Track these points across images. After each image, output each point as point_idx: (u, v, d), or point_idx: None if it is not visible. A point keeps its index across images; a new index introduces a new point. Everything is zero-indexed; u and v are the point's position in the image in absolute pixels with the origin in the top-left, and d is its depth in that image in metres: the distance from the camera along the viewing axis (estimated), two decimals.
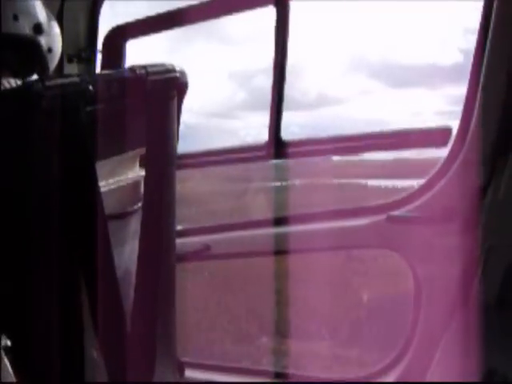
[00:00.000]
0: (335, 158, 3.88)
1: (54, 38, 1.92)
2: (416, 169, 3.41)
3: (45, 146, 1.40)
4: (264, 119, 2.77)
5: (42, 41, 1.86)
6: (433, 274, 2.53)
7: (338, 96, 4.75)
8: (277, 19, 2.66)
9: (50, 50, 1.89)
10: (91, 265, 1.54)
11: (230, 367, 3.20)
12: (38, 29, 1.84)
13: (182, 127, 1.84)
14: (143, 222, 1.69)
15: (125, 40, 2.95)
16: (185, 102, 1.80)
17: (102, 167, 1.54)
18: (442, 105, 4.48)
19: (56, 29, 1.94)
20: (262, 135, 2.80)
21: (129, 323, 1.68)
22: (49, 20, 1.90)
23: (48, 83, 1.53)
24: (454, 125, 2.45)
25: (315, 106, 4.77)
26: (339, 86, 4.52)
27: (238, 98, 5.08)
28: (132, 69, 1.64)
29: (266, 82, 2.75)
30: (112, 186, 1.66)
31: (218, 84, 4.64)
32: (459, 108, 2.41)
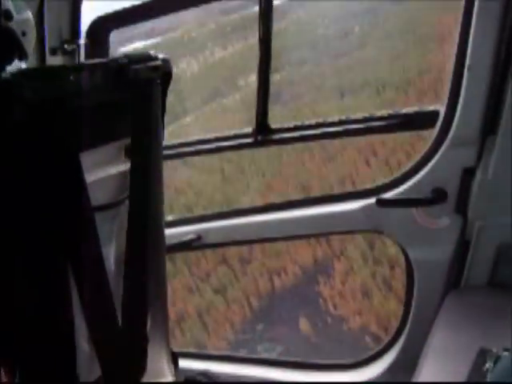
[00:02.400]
0: None
1: (25, 22, 1.89)
2: None
3: (27, 139, 1.39)
4: None
5: (14, 26, 1.84)
6: (424, 256, 2.53)
7: None
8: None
9: (23, 33, 1.87)
10: (79, 257, 1.53)
11: (224, 356, 3.21)
12: (7, 15, 1.82)
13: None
14: (130, 213, 1.68)
15: (109, 30, 2.92)
16: None
17: (87, 158, 1.53)
18: None
19: (26, 12, 1.91)
20: None
21: (120, 315, 1.68)
22: (16, 5, 1.88)
23: (29, 74, 1.53)
24: None
25: None
26: None
27: None
28: (114, 58, 1.63)
29: None
30: (98, 177, 1.65)
31: None
32: None
